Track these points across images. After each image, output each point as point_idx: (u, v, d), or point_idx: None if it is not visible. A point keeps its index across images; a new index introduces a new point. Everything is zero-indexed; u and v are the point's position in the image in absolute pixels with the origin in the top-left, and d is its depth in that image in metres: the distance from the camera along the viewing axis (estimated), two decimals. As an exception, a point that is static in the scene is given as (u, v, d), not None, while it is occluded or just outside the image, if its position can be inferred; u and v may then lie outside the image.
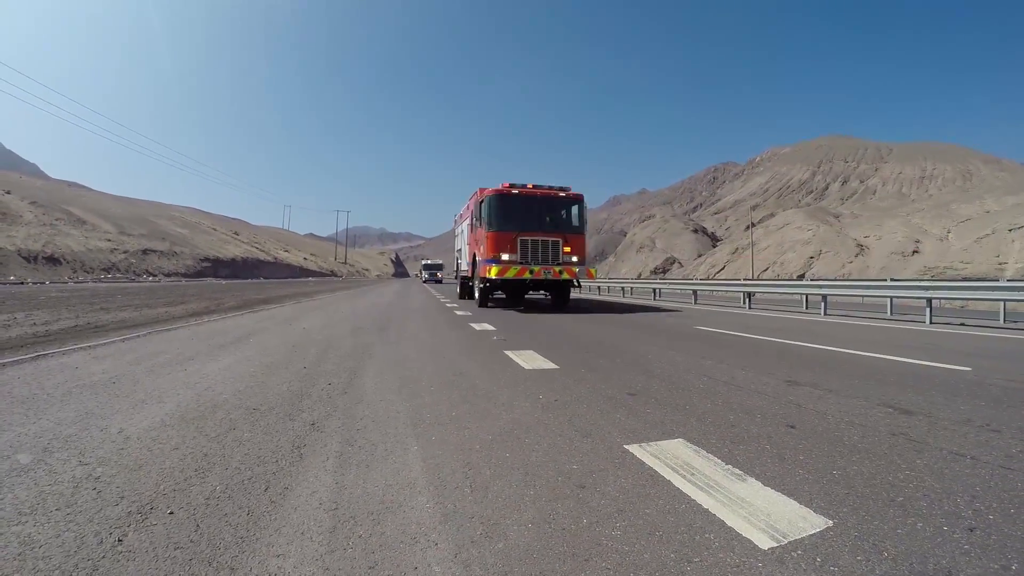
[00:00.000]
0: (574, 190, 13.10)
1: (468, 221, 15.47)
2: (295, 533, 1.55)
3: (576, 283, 12.86)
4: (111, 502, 1.73)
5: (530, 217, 12.19)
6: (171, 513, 1.65)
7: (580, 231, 12.74)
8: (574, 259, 12.28)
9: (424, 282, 55.59)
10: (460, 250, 18.84)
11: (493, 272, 11.41)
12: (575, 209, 12.84)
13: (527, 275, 11.58)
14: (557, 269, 11.88)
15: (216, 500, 1.76)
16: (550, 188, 12.75)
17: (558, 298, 14.06)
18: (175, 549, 1.45)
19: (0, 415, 2.77)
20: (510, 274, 11.46)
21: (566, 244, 12.22)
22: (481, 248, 12.46)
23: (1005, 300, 9.81)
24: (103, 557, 1.40)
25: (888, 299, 11.90)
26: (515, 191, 12.30)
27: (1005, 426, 2.69)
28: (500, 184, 12.56)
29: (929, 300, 10.16)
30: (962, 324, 9.74)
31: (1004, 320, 10.06)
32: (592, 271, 12.78)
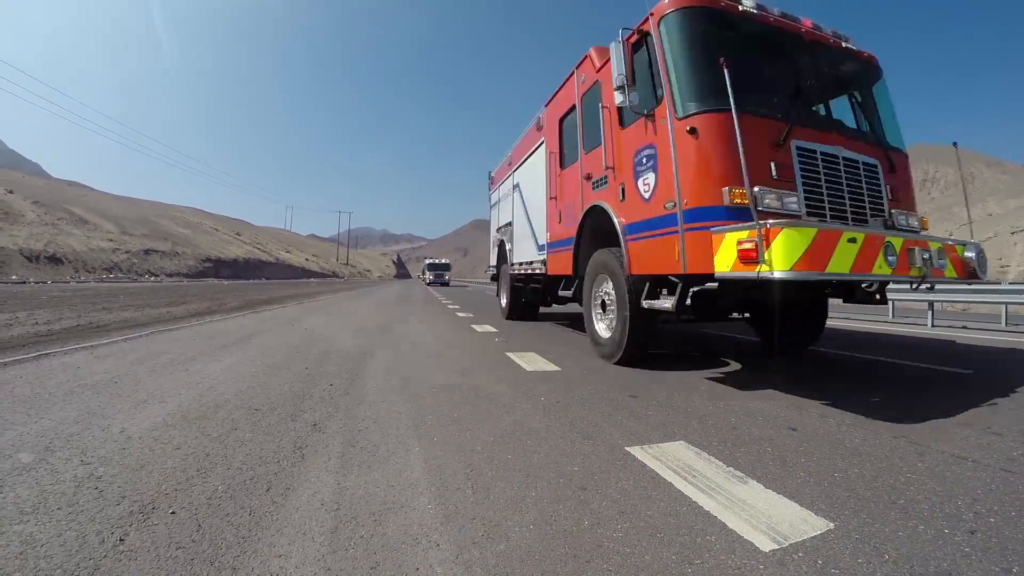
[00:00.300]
0: None
1: (544, 143, 7.39)
2: (297, 533, 1.55)
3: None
4: (113, 501, 1.73)
5: (799, 93, 4.34)
6: (173, 513, 1.66)
7: (901, 146, 4.73)
8: (912, 221, 4.41)
9: (428, 284, 47.95)
10: (509, 224, 9.53)
11: (780, 257, 2.82)
12: (881, 88, 4.92)
13: (881, 265, 3.13)
14: (936, 247, 3.60)
15: (218, 500, 1.76)
16: (815, 29, 4.57)
17: (791, 329, 5.54)
18: (177, 549, 1.45)
19: (2, 414, 2.77)
20: (838, 263, 2.92)
21: (891, 178, 4.35)
22: (667, 174, 3.99)
23: (1007, 303, 9.80)
24: (105, 556, 1.41)
25: (890, 302, 11.89)
26: (753, 10, 4.22)
27: (1006, 429, 2.69)
28: None
29: (931, 303, 10.15)
30: (964, 327, 9.72)
31: (1006, 323, 10.03)
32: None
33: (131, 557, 1.40)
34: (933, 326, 9.63)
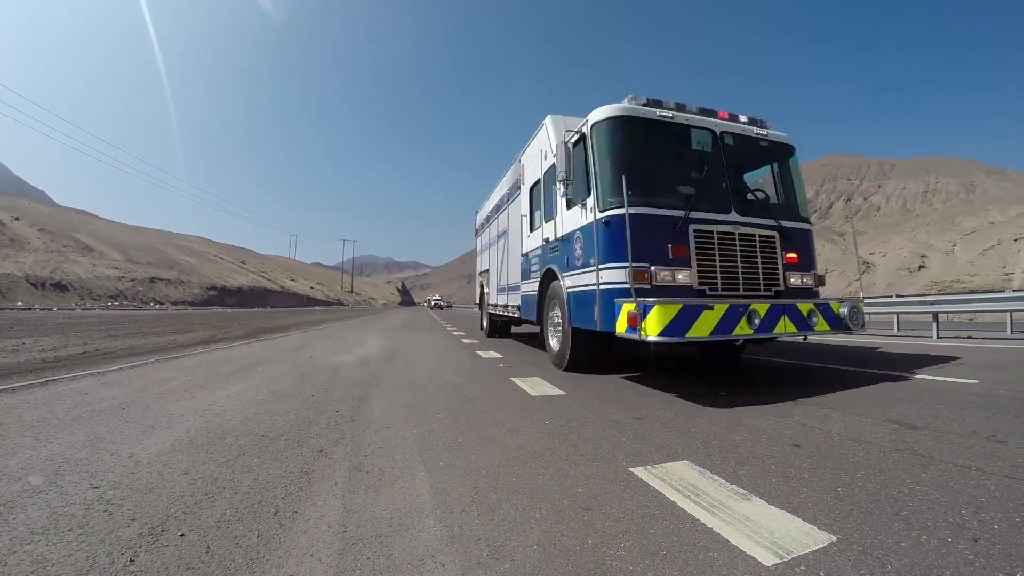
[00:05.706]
0: None
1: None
2: (304, 555, 1.57)
3: None
4: (123, 523, 1.76)
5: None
6: (182, 535, 1.68)
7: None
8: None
9: (430, 309, 68.60)
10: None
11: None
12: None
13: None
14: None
15: (226, 523, 1.78)
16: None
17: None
18: (187, 569, 1.47)
19: (11, 438, 2.81)
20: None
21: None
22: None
23: (1011, 311, 9.77)
24: (116, 577, 1.43)
25: (895, 315, 11.85)
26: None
27: (1011, 436, 2.69)
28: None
29: (935, 314, 10.13)
30: (969, 337, 9.68)
31: (1011, 331, 9.99)
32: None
33: (142, 579, 1.43)
34: (939, 338, 9.58)
